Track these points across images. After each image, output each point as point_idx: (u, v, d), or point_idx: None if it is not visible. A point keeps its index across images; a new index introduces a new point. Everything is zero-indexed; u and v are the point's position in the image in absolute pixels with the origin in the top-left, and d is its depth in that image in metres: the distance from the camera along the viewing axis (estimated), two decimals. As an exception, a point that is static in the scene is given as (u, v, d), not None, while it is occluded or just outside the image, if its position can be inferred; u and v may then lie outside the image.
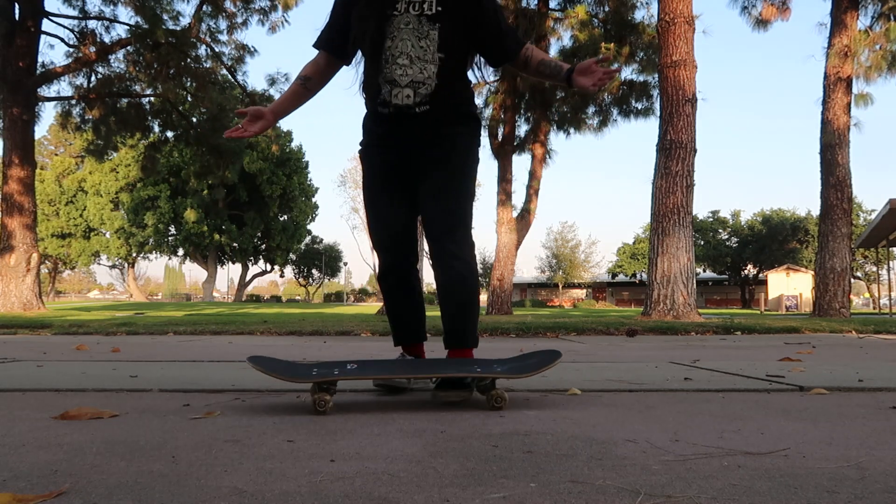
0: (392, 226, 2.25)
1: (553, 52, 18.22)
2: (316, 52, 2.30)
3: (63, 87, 28.13)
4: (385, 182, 2.26)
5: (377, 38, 2.15)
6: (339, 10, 2.25)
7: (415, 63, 2.13)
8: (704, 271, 54.57)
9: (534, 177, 18.21)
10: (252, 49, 17.58)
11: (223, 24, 17.13)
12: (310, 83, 2.28)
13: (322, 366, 2.08)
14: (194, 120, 17.92)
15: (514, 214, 17.84)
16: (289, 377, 1.94)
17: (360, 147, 2.33)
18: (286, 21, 17.21)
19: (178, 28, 16.30)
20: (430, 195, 2.20)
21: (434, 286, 2.27)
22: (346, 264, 71.69)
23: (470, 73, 2.31)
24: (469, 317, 2.22)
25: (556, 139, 48.31)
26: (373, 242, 2.28)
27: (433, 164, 2.20)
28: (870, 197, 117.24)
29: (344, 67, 2.32)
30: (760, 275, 50.54)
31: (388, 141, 2.23)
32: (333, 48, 2.27)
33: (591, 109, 19.04)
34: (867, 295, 53.36)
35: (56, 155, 54.03)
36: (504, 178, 17.90)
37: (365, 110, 2.31)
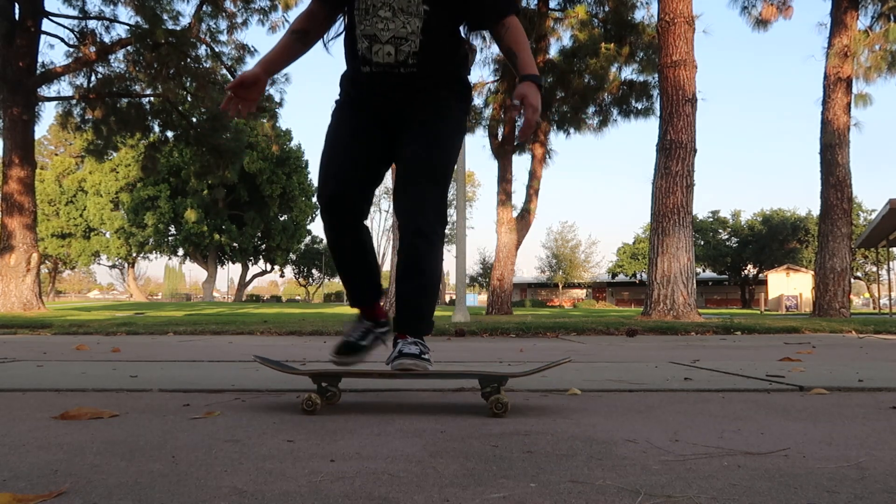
0: (348, 169, 2.01)
1: (553, 51, 18.25)
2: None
3: (63, 87, 28.13)
4: (352, 139, 2.04)
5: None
6: None
7: (397, 15, 1.93)
8: (704, 271, 54.58)
9: (534, 177, 18.21)
10: (252, 49, 17.59)
11: (223, 24, 17.15)
12: (307, 37, 2.06)
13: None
14: (194, 120, 17.92)
15: (514, 214, 17.84)
16: (292, 371, 1.96)
17: (338, 99, 2.12)
18: (286, 21, 17.21)
19: (178, 28, 16.31)
20: (407, 170, 1.99)
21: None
22: (345, 264, 71.56)
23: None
24: (428, 299, 2.01)
25: (556, 139, 48.39)
26: (319, 177, 2.04)
27: (414, 134, 2.01)
28: (870, 197, 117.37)
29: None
30: (760, 275, 50.54)
31: (364, 103, 2.04)
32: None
33: (591, 109, 19.06)
34: (867, 295, 53.36)
35: (56, 155, 54.05)
36: (504, 178, 17.90)
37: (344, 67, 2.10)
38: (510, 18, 2.00)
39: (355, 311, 2.20)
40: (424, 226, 1.95)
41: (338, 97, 2.13)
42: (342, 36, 2.09)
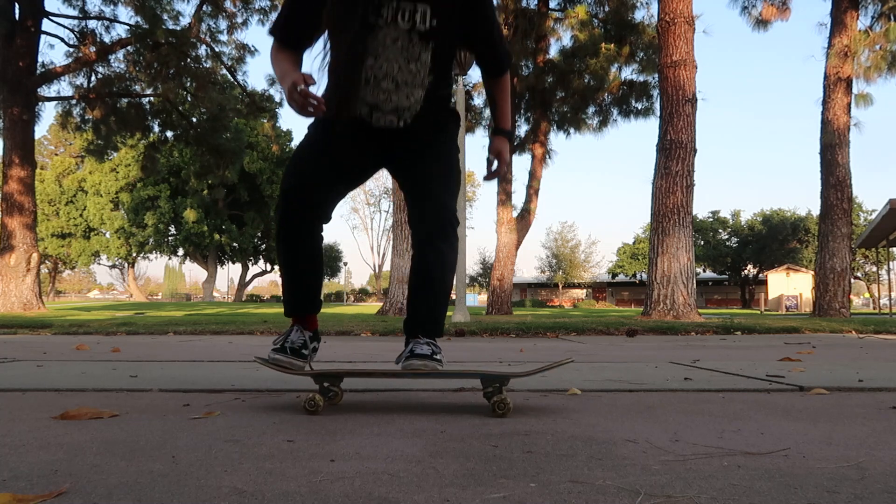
0: (320, 179, 1.96)
1: (553, 51, 18.26)
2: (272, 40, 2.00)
3: (63, 87, 28.20)
4: (333, 157, 1.99)
5: (357, 52, 1.86)
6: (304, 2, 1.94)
7: (401, 88, 1.91)
8: (704, 271, 54.59)
9: (534, 177, 18.22)
10: (252, 49, 17.61)
11: (223, 24, 17.18)
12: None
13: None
14: (194, 120, 17.93)
15: (514, 214, 17.85)
16: (296, 370, 1.95)
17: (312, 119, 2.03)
18: (286, 21, 17.21)
19: (178, 28, 16.32)
20: (419, 185, 2.01)
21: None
22: (346, 264, 71.72)
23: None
24: (442, 305, 2.05)
25: (556, 139, 48.40)
26: (285, 182, 1.97)
27: (419, 153, 2.02)
28: (870, 197, 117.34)
29: None
30: (760, 275, 50.55)
31: (355, 140, 2.01)
32: (297, 43, 1.98)
33: (591, 109, 19.08)
34: (867, 295, 53.37)
35: (56, 155, 54.04)
36: (504, 178, 17.91)
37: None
38: (505, 76, 2.13)
39: (290, 320, 2.10)
40: (440, 236, 1.96)
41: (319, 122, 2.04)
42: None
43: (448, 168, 2.05)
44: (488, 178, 2.20)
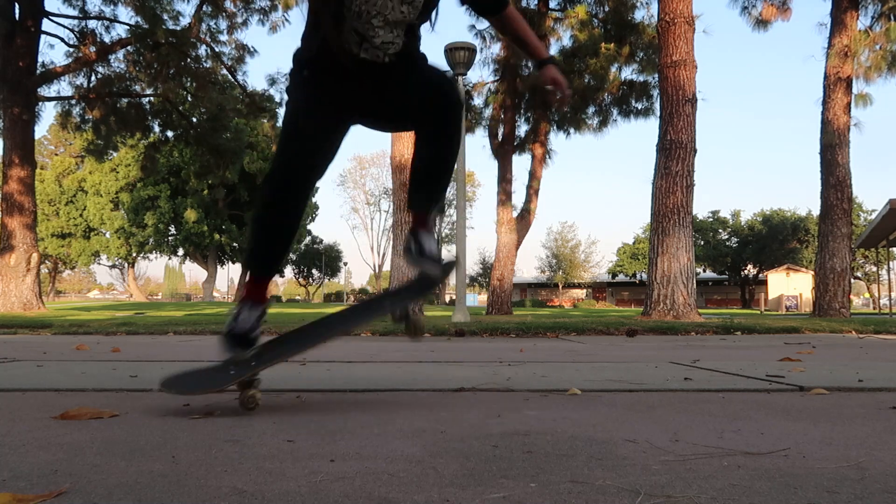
0: (317, 157, 2.03)
1: (553, 51, 18.23)
2: None
3: (63, 87, 28.08)
4: (323, 119, 2.03)
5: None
6: None
7: (388, 26, 1.93)
8: (704, 271, 54.59)
9: (534, 177, 18.22)
10: (252, 49, 17.60)
11: (223, 24, 17.16)
12: None
13: (239, 364, 1.95)
14: (194, 120, 17.93)
15: (514, 214, 17.84)
16: (206, 388, 1.90)
17: (293, 77, 2.05)
18: (286, 21, 17.22)
19: (178, 28, 16.31)
20: (422, 97, 2.09)
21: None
22: (345, 264, 71.71)
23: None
24: (449, 176, 2.26)
25: (556, 139, 48.35)
26: (282, 159, 2.03)
27: (405, 90, 2.07)
28: (870, 197, 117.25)
29: None
30: (760, 275, 50.55)
31: (341, 87, 2.02)
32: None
33: (591, 109, 19.07)
34: (867, 295, 53.37)
35: (56, 155, 54.04)
36: (504, 178, 17.91)
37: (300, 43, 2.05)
38: (509, 9, 2.10)
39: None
40: (458, 106, 2.11)
41: (296, 71, 2.05)
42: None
43: (440, 76, 2.14)
44: (557, 105, 2.22)
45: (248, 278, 2.11)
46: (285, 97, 2.21)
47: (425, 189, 2.22)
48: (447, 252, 61.89)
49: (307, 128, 2.01)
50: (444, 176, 2.23)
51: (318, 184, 2.23)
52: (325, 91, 2.02)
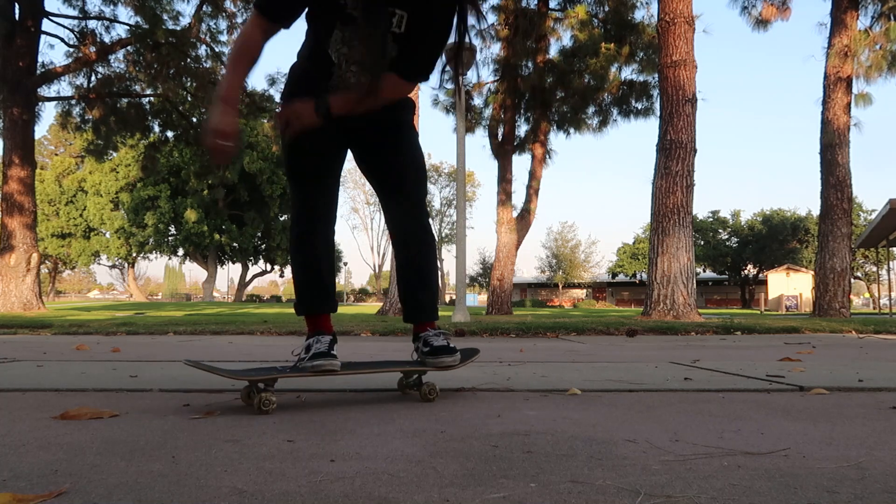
0: (330, 191, 2.14)
1: (553, 51, 18.25)
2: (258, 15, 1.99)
3: (63, 87, 28.17)
4: (321, 143, 2.09)
5: (335, 41, 2.00)
6: None
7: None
8: (704, 271, 54.60)
9: (534, 177, 18.21)
10: (252, 49, 17.55)
11: (223, 24, 17.16)
12: (258, 59, 2.02)
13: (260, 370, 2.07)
14: (194, 120, 17.93)
15: (514, 214, 17.84)
16: (230, 374, 1.95)
17: (286, 98, 2.09)
18: (286, 21, 17.20)
19: (178, 28, 16.31)
20: (388, 181, 2.16)
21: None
22: (346, 264, 71.71)
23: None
24: (435, 291, 2.26)
25: (556, 139, 48.35)
26: (298, 195, 2.11)
27: (379, 150, 2.14)
28: (870, 197, 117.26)
29: None
30: (760, 275, 50.56)
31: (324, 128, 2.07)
32: (281, 16, 1.98)
33: (591, 109, 19.06)
34: (867, 295, 53.38)
35: (56, 155, 54.05)
36: (504, 178, 17.91)
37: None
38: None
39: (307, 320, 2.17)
40: (420, 231, 2.18)
41: (289, 91, 2.10)
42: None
43: (412, 157, 2.17)
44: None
45: (306, 319, 2.17)
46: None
47: (414, 299, 2.21)
48: (447, 252, 61.90)
49: (306, 142, 2.07)
50: (426, 283, 2.21)
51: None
52: (314, 135, 2.08)
